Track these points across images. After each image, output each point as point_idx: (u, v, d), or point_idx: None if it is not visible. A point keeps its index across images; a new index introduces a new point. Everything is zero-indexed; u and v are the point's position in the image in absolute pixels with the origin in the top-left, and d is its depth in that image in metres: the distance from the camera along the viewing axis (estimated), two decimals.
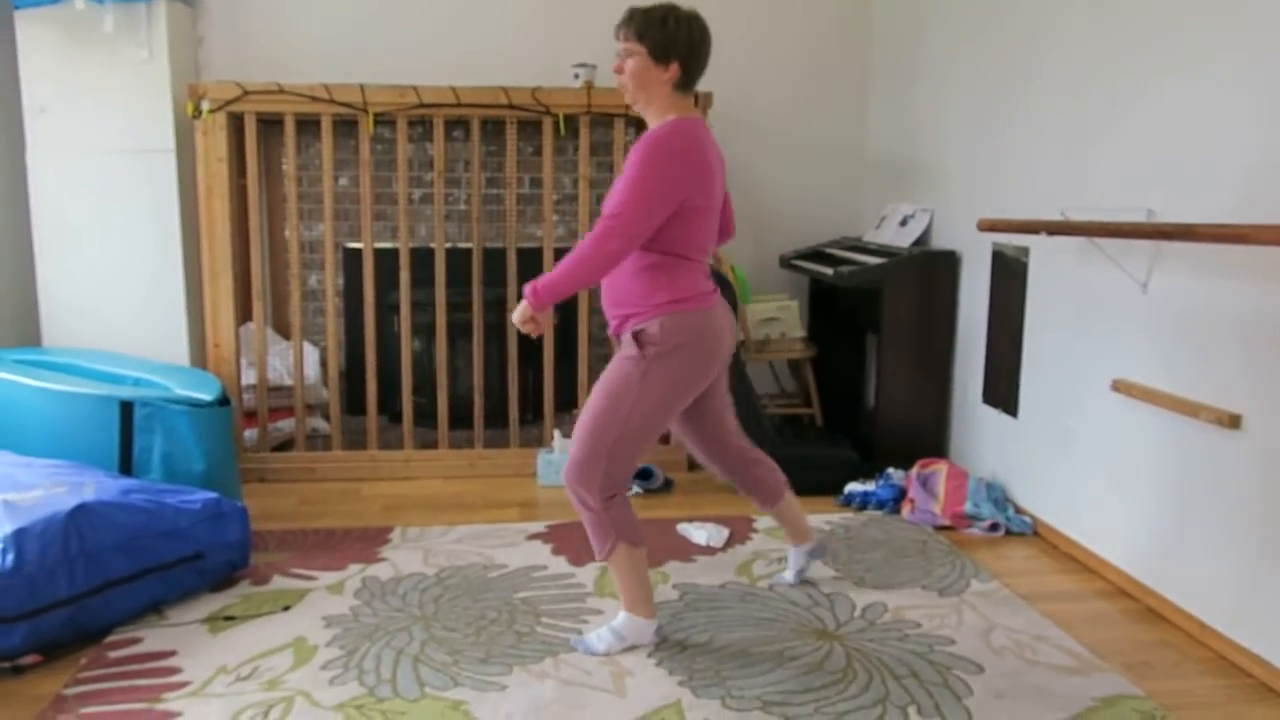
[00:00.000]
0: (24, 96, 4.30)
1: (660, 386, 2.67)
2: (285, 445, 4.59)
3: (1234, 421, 2.76)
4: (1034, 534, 3.78)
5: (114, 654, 2.78)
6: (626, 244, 2.55)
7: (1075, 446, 3.54)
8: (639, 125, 4.68)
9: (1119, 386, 3.23)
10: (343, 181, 4.90)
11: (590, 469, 2.67)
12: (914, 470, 4.15)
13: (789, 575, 3.32)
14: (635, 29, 2.60)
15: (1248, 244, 2.61)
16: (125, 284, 4.41)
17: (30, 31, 4.26)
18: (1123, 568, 3.29)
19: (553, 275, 2.59)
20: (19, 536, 2.69)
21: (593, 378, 5.07)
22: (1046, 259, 3.69)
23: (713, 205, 2.71)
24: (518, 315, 2.65)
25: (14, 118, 4.42)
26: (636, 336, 2.66)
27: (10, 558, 2.65)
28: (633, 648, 2.83)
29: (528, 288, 2.61)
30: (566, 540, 3.63)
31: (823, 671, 2.72)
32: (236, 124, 4.36)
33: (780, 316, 4.81)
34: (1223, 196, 2.82)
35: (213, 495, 3.23)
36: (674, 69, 2.62)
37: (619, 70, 2.66)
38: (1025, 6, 3.80)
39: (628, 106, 4.33)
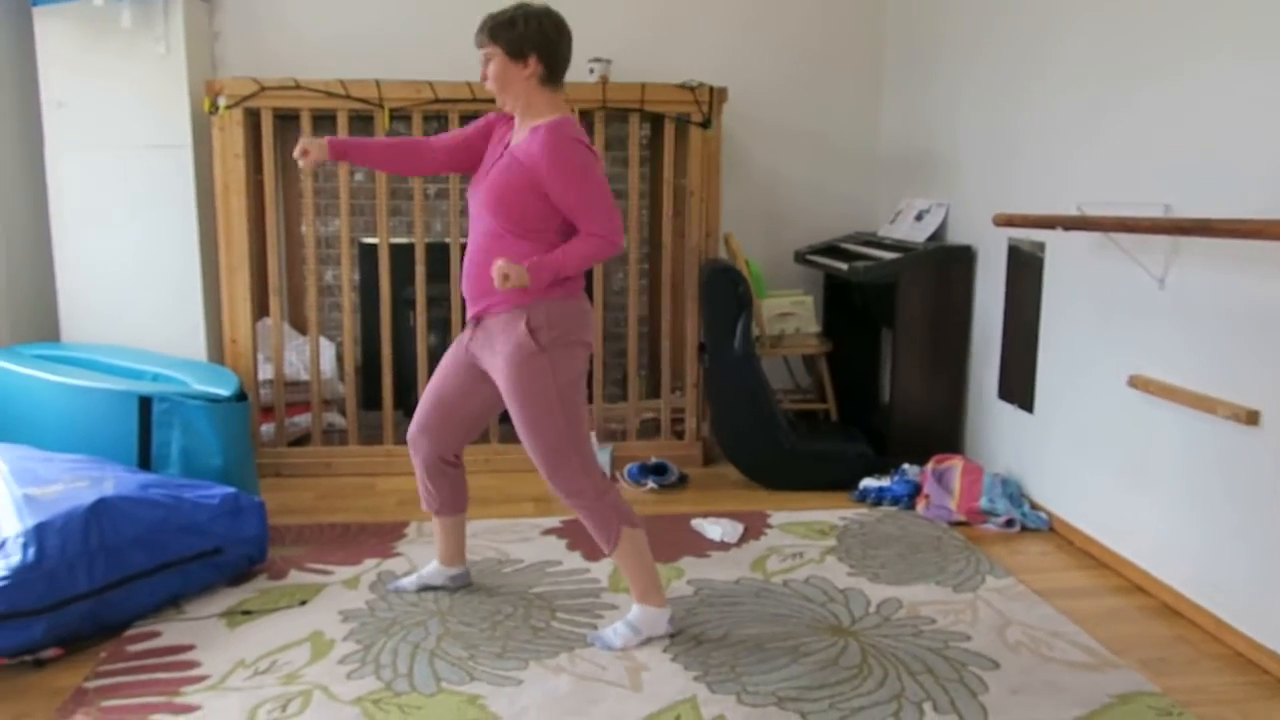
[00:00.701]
0: (42, 92, 4.32)
1: (566, 371, 2.76)
2: (302, 440, 4.61)
3: (1252, 418, 2.74)
4: (1050, 530, 3.77)
5: (133, 648, 2.80)
6: (619, 243, 2.70)
7: (1091, 442, 3.52)
8: (654, 120, 4.68)
9: (1136, 382, 3.22)
10: (359, 177, 4.91)
11: (569, 471, 2.77)
12: (929, 466, 4.14)
13: (410, 581, 3.21)
14: (488, 33, 2.68)
15: (1266, 239, 2.60)
16: (143, 279, 4.44)
17: (48, 27, 4.28)
18: (1139, 564, 3.28)
19: (559, 264, 2.66)
20: (40, 531, 2.71)
21: (608, 373, 5.08)
22: (1063, 254, 3.68)
23: None
24: (504, 277, 2.60)
25: (32, 113, 4.45)
26: (530, 326, 2.71)
27: (31, 552, 2.67)
28: (649, 640, 2.84)
29: (540, 268, 2.64)
30: (581, 535, 3.64)
31: (838, 667, 2.72)
32: (253, 119, 4.38)
33: (795, 312, 4.80)
34: (1241, 191, 2.80)
35: (230, 490, 3.25)
36: (533, 64, 2.67)
37: (484, 77, 2.72)
38: (1043, 4, 3.78)
39: (642, 101, 4.36)
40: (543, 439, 2.74)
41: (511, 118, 2.84)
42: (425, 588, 3.19)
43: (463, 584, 3.22)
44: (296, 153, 2.84)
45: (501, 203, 2.70)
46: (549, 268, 2.65)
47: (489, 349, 2.81)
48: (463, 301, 4.39)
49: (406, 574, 3.29)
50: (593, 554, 3.48)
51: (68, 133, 4.35)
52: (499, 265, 2.59)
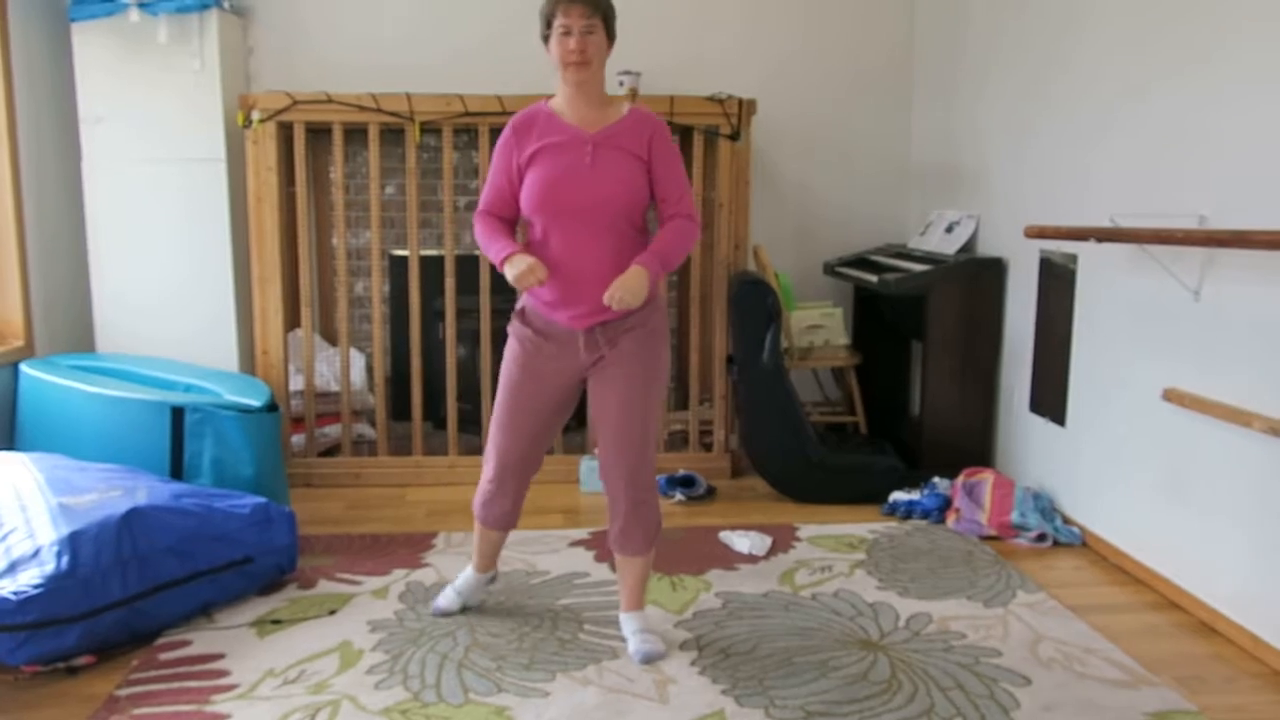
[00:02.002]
0: (80, 107, 4.39)
1: (666, 352, 2.83)
2: (332, 451, 4.64)
3: None
4: (1083, 545, 3.73)
5: (164, 656, 2.83)
6: (700, 230, 2.83)
7: (1125, 456, 3.48)
8: (683, 132, 4.69)
9: (1170, 396, 3.18)
10: (389, 189, 4.95)
11: (650, 470, 2.81)
12: (960, 479, 4.10)
13: (452, 602, 3.10)
14: (601, 9, 2.65)
15: None
16: (177, 291, 4.49)
17: (86, 43, 4.34)
18: (1175, 580, 3.23)
19: (666, 258, 2.69)
20: (74, 539, 2.74)
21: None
22: (1096, 266, 3.64)
23: None
24: (624, 297, 2.60)
25: (70, 128, 4.51)
26: (659, 316, 2.78)
27: (65, 560, 2.70)
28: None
29: (654, 264, 2.66)
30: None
31: (867, 682, 2.70)
32: (286, 133, 4.42)
33: (824, 324, 4.79)
34: (1277, 202, 2.77)
35: (261, 500, 3.27)
36: (610, 50, 2.73)
37: (582, 46, 2.62)
38: (1075, 14, 3.76)
39: (672, 114, 4.36)
40: (650, 427, 2.76)
41: (539, 115, 2.74)
42: (467, 608, 3.12)
43: (493, 584, 3.22)
44: (534, 280, 2.63)
45: (633, 198, 2.68)
46: (658, 266, 2.66)
47: (606, 344, 2.73)
48: (491, 312, 4.43)
49: (440, 591, 3.18)
50: None
51: (105, 147, 4.41)
52: (622, 293, 2.57)
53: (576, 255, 2.68)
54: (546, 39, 2.68)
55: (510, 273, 2.63)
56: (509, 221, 2.82)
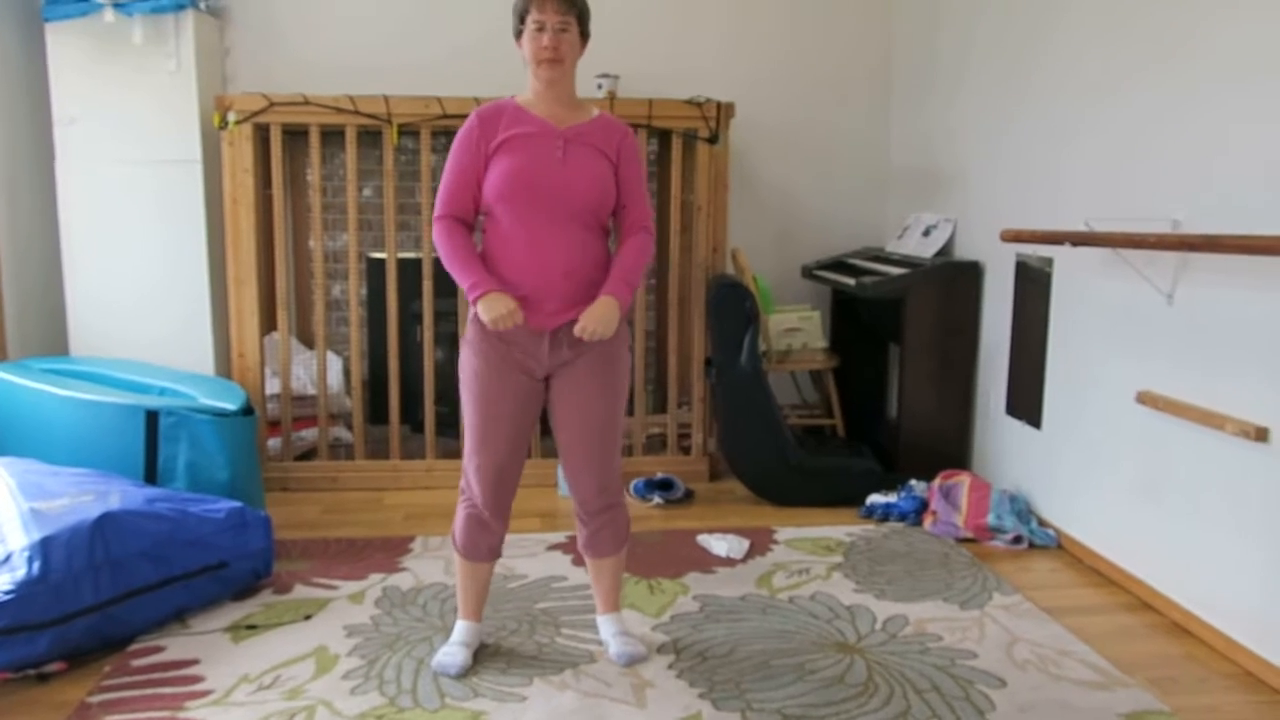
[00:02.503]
0: (53, 107, 4.35)
1: (629, 356, 2.79)
2: (308, 454, 4.62)
3: (1261, 434, 2.73)
4: (1058, 547, 3.75)
5: (137, 662, 2.80)
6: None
7: (1100, 458, 3.51)
8: (661, 136, 4.69)
9: (1144, 398, 3.20)
10: (366, 192, 4.93)
11: (618, 477, 2.81)
12: (936, 482, 4.12)
13: (462, 662, 2.78)
14: (577, 7, 2.61)
15: (1274, 255, 2.59)
16: (152, 294, 4.45)
17: (60, 43, 4.31)
18: (1148, 581, 3.26)
19: (632, 279, 2.66)
20: (45, 544, 2.72)
21: None
22: (1071, 270, 3.67)
23: None
24: (608, 325, 2.60)
25: (44, 129, 4.48)
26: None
27: (37, 565, 2.67)
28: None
29: (624, 292, 2.63)
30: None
31: (844, 685, 2.71)
32: (262, 135, 4.40)
33: (802, 327, 4.80)
34: (1249, 206, 2.79)
35: (236, 504, 3.25)
36: (582, 48, 2.68)
37: (555, 44, 2.57)
38: (1048, 16, 3.79)
39: (650, 117, 4.36)
40: (618, 431, 2.74)
41: (506, 107, 2.65)
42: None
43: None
44: (512, 324, 2.55)
45: (604, 195, 2.64)
46: (627, 294, 2.64)
47: (569, 347, 2.65)
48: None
49: (442, 651, 2.82)
50: None
51: (78, 148, 4.37)
52: (594, 325, 2.56)
53: (542, 250, 2.58)
54: (519, 35, 2.62)
55: (487, 314, 2.52)
56: (470, 226, 2.68)
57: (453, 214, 2.65)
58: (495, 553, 2.82)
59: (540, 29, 2.57)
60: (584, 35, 2.66)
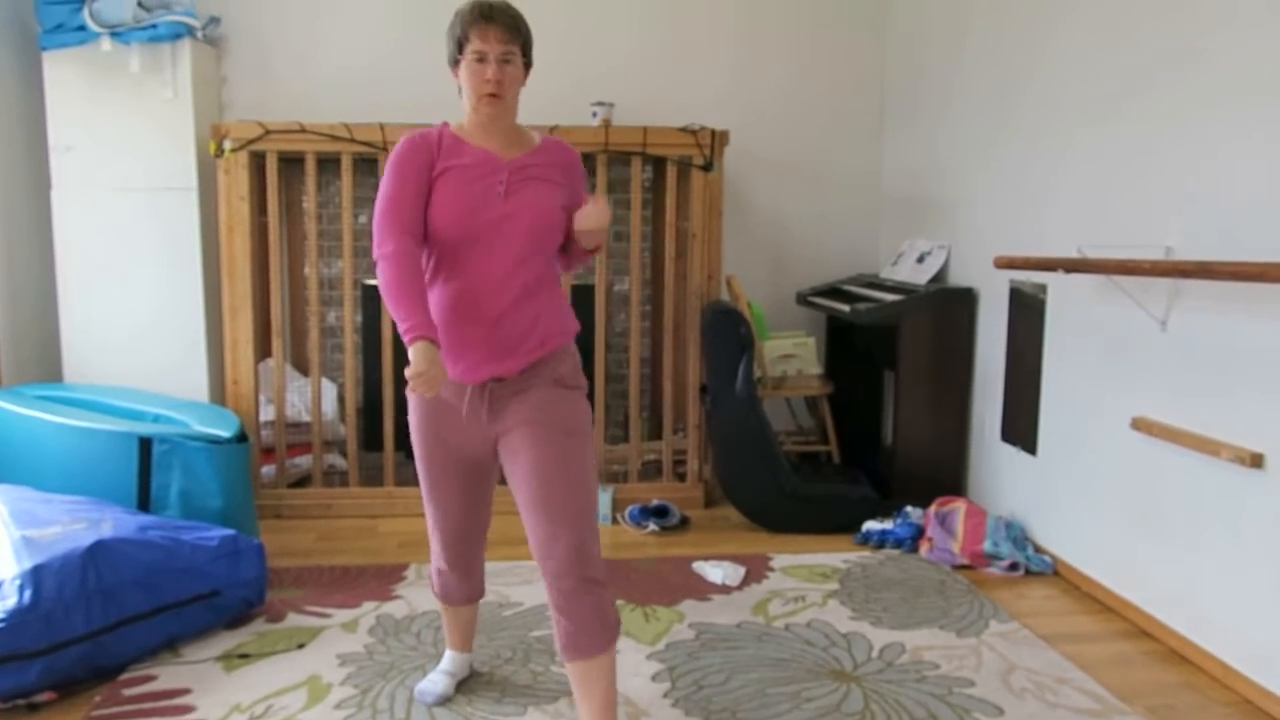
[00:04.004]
0: (50, 135, 4.36)
1: (585, 406, 2.43)
2: (302, 482, 4.60)
3: (1256, 460, 2.73)
4: (1054, 573, 3.74)
5: (128, 691, 2.78)
6: None
7: (1095, 485, 3.50)
8: (656, 163, 4.71)
9: (1139, 425, 3.21)
10: (362, 219, 4.93)
11: (598, 547, 2.33)
12: (932, 508, 4.11)
13: (445, 689, 2.75)
14: (517, 28, 2.30)
15: (1267, 282, 2.60)
16: (146, 321, 4.45)
17: (57, 71, 4.32)
18: (1145, 608, 3.25)
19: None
20: (37, 573, 2.70)
21: (610, 415, 5.08)
22: (1065, 296, 3.68)
23: None
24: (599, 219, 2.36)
25: (40, 156, 4.49)
26: (569, 366, 2.40)
27: (28, 594, 2.65)
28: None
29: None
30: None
31: (840, 713, 2.69)
32: (258, 162, 4.41)
33: (797, 353, 4.80)
34: (1242, 234, 2.81)
35: (229, 532, 3.23)
36: (527, 74, 2.40)
37: (498, 77, 2.28)
38: (1038, 44, 3.82)
39: (645, 144, 4.39)
40: (591, 490, 2.34)
41: (443, 135, 2.37)
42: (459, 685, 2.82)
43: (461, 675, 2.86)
44: (429, 391, 2.16)
45: (550, 229, 2.35)
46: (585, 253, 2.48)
47: (511, 403, 2.36)
48: None
49: (425, 679, 2.80)
50: None
51: (74, 175, 4.38)
52: (590, 223, 2.34)
53: (474, 294, 2.30)
54: (455, 64, 2.33)
55: (412, 367, 2.12)
56: (418, 252, 2.30)
57: (406, 232, 2.26)
58: (471, 598, 2.73)
59: (481, 60, 2.27)
60: (527, 65, 2.37)
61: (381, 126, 4.27)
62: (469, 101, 2.34)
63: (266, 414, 4.60)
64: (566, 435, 2.32)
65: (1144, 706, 2.74)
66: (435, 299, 2.34)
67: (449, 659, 2.84)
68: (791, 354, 4.79)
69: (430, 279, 2.35)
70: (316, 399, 4.41)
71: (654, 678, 2.88)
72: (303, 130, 4.25)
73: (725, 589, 3.58)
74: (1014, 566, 3.75)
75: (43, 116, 4.43)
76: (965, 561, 3.80)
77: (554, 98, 4.99)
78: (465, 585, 2.69)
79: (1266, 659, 2.74)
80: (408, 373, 2.13)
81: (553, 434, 2.31)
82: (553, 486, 2.29)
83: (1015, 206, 4.01)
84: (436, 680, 2.77)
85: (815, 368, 4.82)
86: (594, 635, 2.30)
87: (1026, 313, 3.90)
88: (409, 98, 4.90)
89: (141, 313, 4.45)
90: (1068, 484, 3.68)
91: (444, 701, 2.73)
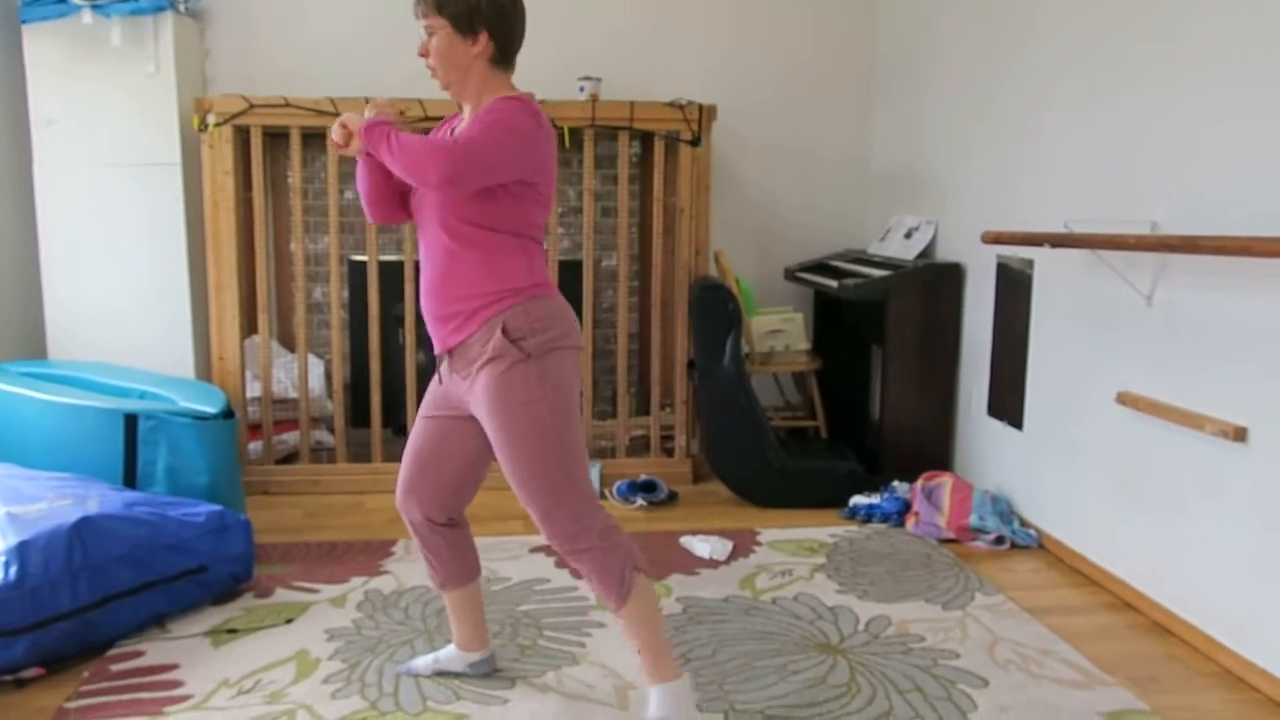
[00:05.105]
0: (31, 109, 4.32)
1: (561, 376, 2.33)
2: (289, 458, 4.59)
3: (1239, 434, 2.74)
4: (1039, 547, 3.77)
5: (116, 667, 2.78)
6: (456, 176, 2.17)
7: (1080, 459, 3.52)
8: (644, 138, 4.69)
9: (1124, 399, 3.22)
10: (348, 194, 4.90)
11: (572, 508, 2.33)
12: (919, 483, 4.13)
13: (424, 664, 2.75)
14: (433, 3, 2.27)
15: (1251, 256, 2.61)
16: (131, 296, 4.42)
17: (38, 45, 4.27)
18: (1129, 581, 3.27)
19: (391, 139, 2.23)
20: (22, 549, 2.69)
21: (598, 391, 5.08)
22: (1051, 271, 3.69)
23: (550, 198, 2.41)
24: (341, 132, 2.34)
25: (21, 130, 4.44)
26: (507, 332, 2.29)
27: (13, 570, 2.65)
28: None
29: (383, 128, 2.26)
30: None
31: (826, 685, 2.71)
32: (242, 137, 4.38)
33: (785, 329, 4.80)
34: (1227, 208, 2.81)
35: (216, 508, 3.23)
36: (483, 41, 2.28)
37: (424, 53, 2.31)
38: (1029, 19, 3.81)
39: (632, 119, 4.36)
40: (537, 476, 2.30)
41: (457, 115, 2.46)
42: (442, 673, 2.74)
43: (486, 672, 2.74)
44: (338, 135, 2.32)
45: (451, 199, 2.28)
46: (381, 134, 2.24)
47: (466, 379, 2.37)
48: None
49: (419, 655, 2.83)
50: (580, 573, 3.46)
51: (56, 150, 4.34)
52: (341, 119, 2.30)
53: (423, 266, 2.41)
54: None
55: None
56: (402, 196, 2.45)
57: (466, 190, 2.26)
58: (462, 578, 2.64)
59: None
60: (461, 30, 2.27)
61: (367, 100, 4.22)
62: None
63: (253, 390, 4.58)
64: (508, 434, 2.30)
65: (1127, 678, 2.77)
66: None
67: (446, 650, 2.77)
68: (779, 329, 4.80)
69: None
70: (303, 375, 4.39)
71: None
72: (287, 104, 4.21)
73: (713, 563, 3.59)
74: (1000, 540, 3.77)
75: (23, 91, 4.38)
76: (951, 535, 3.83)
77: (541, 72, 4.95)
78: (452, 570, 2.62)
79: (1248, 631, 2.76)
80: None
81: (497, 431, 2.32)
82: (507, 467, 2.34)
83: (1002, 182, 4.01)
84: (421, 658, 2.78)
85: (803, 343, 4.83)
86: (605, 596, 2.38)
87: (1013, 288, 3.90)
88: (394, 72, 4.86)
89: (126, 289, 4.42)
90: (1053, 458, 3.70)
91: (412, 673, 2.73)
